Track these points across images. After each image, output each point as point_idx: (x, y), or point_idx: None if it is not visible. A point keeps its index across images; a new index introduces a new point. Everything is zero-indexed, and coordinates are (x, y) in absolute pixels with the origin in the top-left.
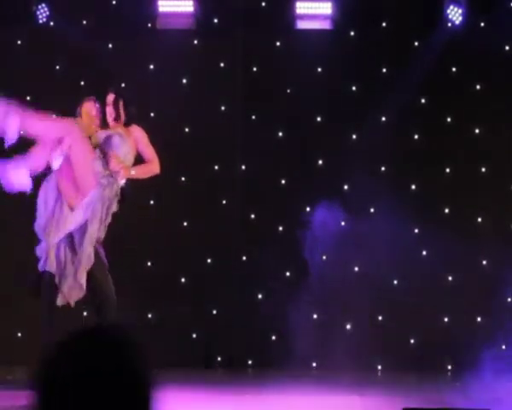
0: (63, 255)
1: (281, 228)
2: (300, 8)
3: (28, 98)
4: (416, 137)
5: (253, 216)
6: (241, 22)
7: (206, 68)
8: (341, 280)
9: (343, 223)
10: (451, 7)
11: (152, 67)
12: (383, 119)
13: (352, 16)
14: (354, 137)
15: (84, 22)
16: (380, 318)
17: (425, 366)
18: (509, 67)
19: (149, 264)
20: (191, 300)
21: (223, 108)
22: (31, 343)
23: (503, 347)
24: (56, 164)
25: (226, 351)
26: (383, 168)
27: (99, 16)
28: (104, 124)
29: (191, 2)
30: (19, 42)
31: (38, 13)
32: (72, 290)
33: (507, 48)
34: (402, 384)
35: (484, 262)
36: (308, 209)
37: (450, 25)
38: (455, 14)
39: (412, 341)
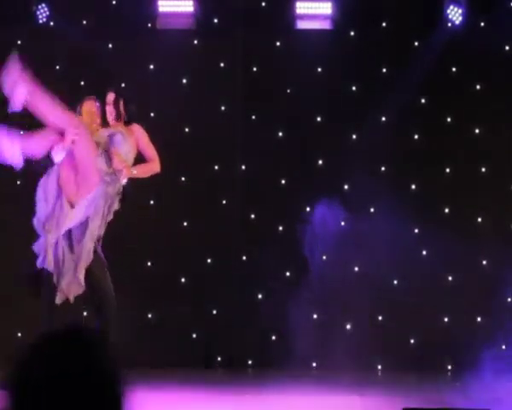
0: (61, 253)
1: (281, 228)
2: (300, 8)
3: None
4: (416, 137)
5: (253, 216)
6: (241, 22)
7: (206, 68)
8: (341, 280)
9: (343, 223)
10: (451, 7)
11: (152, 67)
12: (383, 119)
13: (352, 16)
14: (354, 137)
15: (84, 22)
16: (380, 318)
17: (425, 366)
18: (509, 67)
19: (149, 264)
20: (191, 300)
21: (223, 108)
22: None
23: (503, 347)
24: (58, 158)
25: (226, 351)
26: (383, 168)
27: (99, 16)
28: (104, 123)
29: (191, 2)
30: (19, 42)
31: (38, 13)
32: (71, 286)
33: (507, 48)
34: (402, 384)
35: (484, 262)
36: (308, 209)
37: (450, 25)
38: (455, 14)
39: (412, 341)
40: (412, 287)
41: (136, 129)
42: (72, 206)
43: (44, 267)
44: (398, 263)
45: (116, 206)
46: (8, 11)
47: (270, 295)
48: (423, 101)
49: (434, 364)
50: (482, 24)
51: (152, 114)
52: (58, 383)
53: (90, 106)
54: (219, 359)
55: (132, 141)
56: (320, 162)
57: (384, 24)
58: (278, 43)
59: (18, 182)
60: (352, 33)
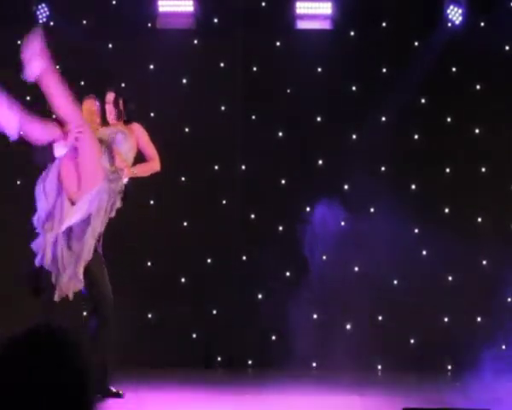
0: (60, 251)
1: (281, 228)
2: (300, 8)
3: (28, 98)
4: (416, 137)
5: (253, 216)
6: (241, 22)
7: (206, 68)
8: (341, 280)
9: (343, 223)
10: (451, 7)
11: (152, 67)
12: (383, 119)
13: (352, 16)
14: (354, 137)
15: (84, 22)
16: (380, 318)
17: (425, 366)
18: (509, 67)
19: (149, 264)
20: (191, 300)
21: (223, 108)
22: None
23: (503, 347)
24: (59, 152)
25: (226, 351)
26: (383, 168)
27: (99, 16)
28: (104, 122)
29: (191, 2)
30: (19, 42)
31: (38, 13)
32: (70, 282)
33: (507, 48)
34: (402, 384)
35: (484, 262)
36: (308, 209)
37: (450, 25)
38: (455, 14)
39: (412, 341)
40: (412, 287)
41: (136, 128)
42: (72, 203)
43: (43, 266)
44: (398, 263)
45: (118, 204)
46: (8, 11)
47: (270, 295)
48: (423, 101)
49: (434, 364)
50: (482, 24)
51: (152, 114)
52: (28, 383)
53: (89, 105)
54: (219, 359)
55: (132, 140)
56: (320, 162)
57: (384, 24)
58: (278, 43)
59: (18, 182)
60: (352, 33)
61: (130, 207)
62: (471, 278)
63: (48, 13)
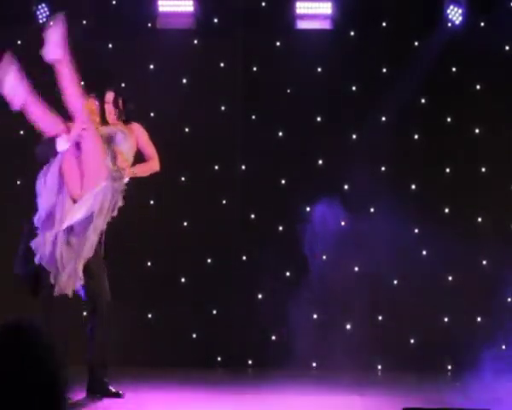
0: (59, 250)
1: (281, 228)
2: (300, 8)
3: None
4: (416, 137)
5: (253, 216)
6: (241, 22)
7: (206, 68)
8: (341, 280)
9: (343, 223)
10: (451, 7)
11: (152, 66)
12: (383, 119)
13: (352, 16)
14: (354, 137)
15: (84, 22)
16: (380, 318)
17: (425, 366)
18: (509, 67)
19: (149, 264)
20: (191, 300)
21: (223, 108)
22: None
23: (503, 347)
24: (61, 147)
25: (226, 351)
26: (383, 168)
27: (99, 16)
28: (103, 121)
29: (191, 2)
30: (19, 42)
31: (38, 13)
32: (69, 280)
33: (507, 48)
34: (402, 384)
35: (484, 262)
36: (308, 209)
37: (450, 25)
38: (455, 14)
39: (412, 341)
40: (412, 287)
41: (136, 127)
42: (74, 201)
43: (42, 264)
44: (398, 263)
45: (120, 203)
46: (8, 11)
47: (270, 295)
48: (423, 101)
49: (434, 364)
50: (482, 24)
51: (152, 114)
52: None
53: (89, 104)
54: (219, 359)
55: (132, 140)
56: (320, 162)
57: (384, 24)
58: (278, 43)
59: (18, 182)
60: (352, 33)
61: (131, 207)
62: (471, 278)
63: (48, 13)
